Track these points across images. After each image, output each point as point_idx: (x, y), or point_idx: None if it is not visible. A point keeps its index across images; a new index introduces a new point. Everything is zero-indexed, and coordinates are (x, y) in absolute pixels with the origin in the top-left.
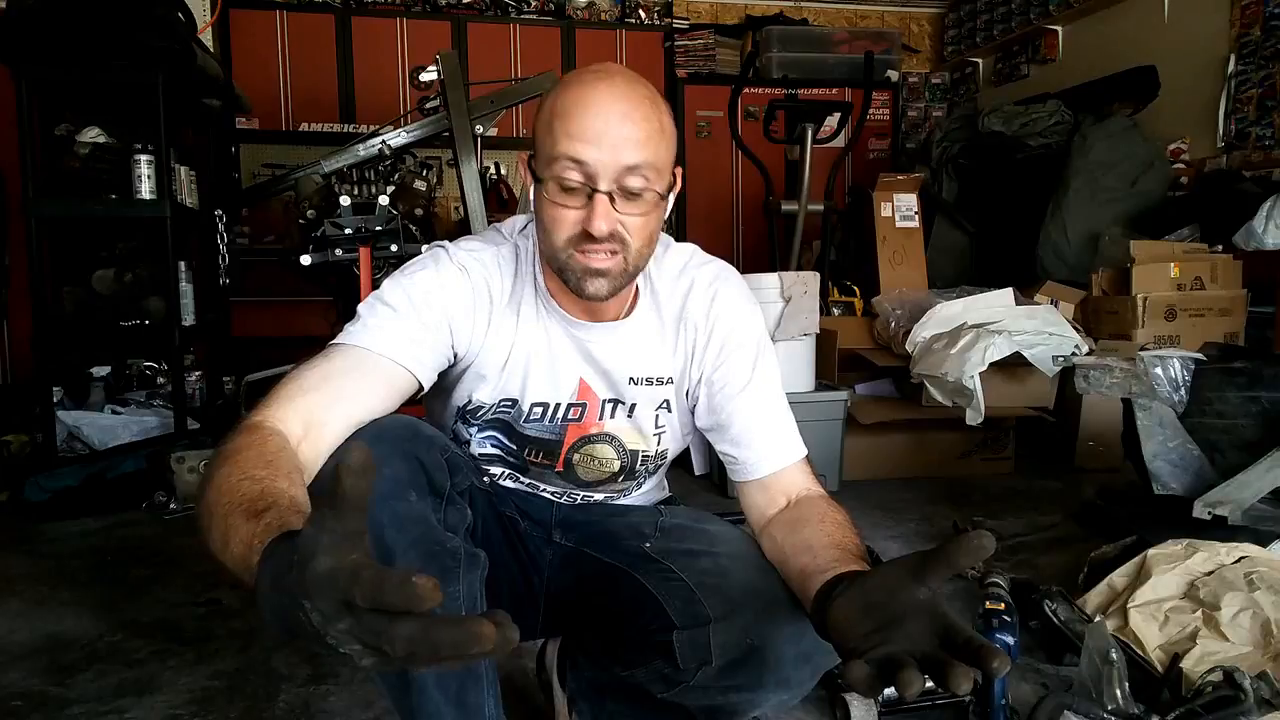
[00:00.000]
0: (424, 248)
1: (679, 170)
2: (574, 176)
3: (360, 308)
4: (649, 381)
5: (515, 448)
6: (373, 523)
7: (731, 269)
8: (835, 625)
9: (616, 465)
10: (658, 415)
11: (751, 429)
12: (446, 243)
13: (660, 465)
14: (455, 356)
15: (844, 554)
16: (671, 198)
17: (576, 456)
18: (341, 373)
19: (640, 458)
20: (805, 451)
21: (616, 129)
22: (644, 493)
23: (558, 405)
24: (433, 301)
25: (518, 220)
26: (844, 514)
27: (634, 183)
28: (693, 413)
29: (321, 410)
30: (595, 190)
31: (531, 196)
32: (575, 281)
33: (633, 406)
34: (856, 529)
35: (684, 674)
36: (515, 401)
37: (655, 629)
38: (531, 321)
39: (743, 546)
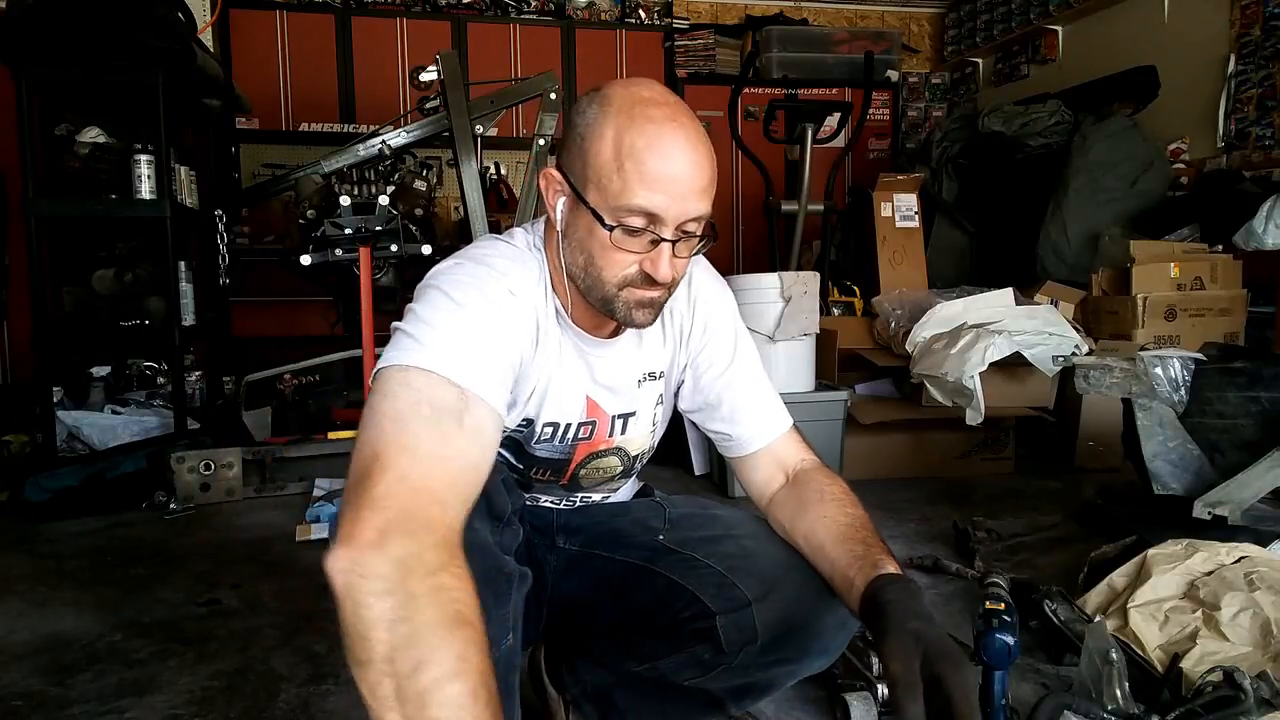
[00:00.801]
0: (427, 256)
1: None
2: (641, 223)
3: (445, 321)
4: (649, 377)
5: (522, 467)
6: None
7: None
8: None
9: (619, 470)
10: (655, 413)
11: (741, 405)
12: (478, 259)
13: (650, 455)
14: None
15: (857, 550)
16: None
17: (583, 471)
18: (452, 443)
19: (639, 458)
20: (792, 420)
21: (688, 180)
22: (629, 485)
23: (568, 425)
24: (506, 334)
25: (520, 231)
26: (840, 485)
27: (693, 227)
28: (675, 396)
29: (448, 507)
30: (661, 238)
31: (560, 212)
32: (625, 314)
33: (638, 410)
34: (854, 500)
35: (727, 656)
36: (531, 421)
37: (689, 618)
38: (552, 341)
39: (756, 526)
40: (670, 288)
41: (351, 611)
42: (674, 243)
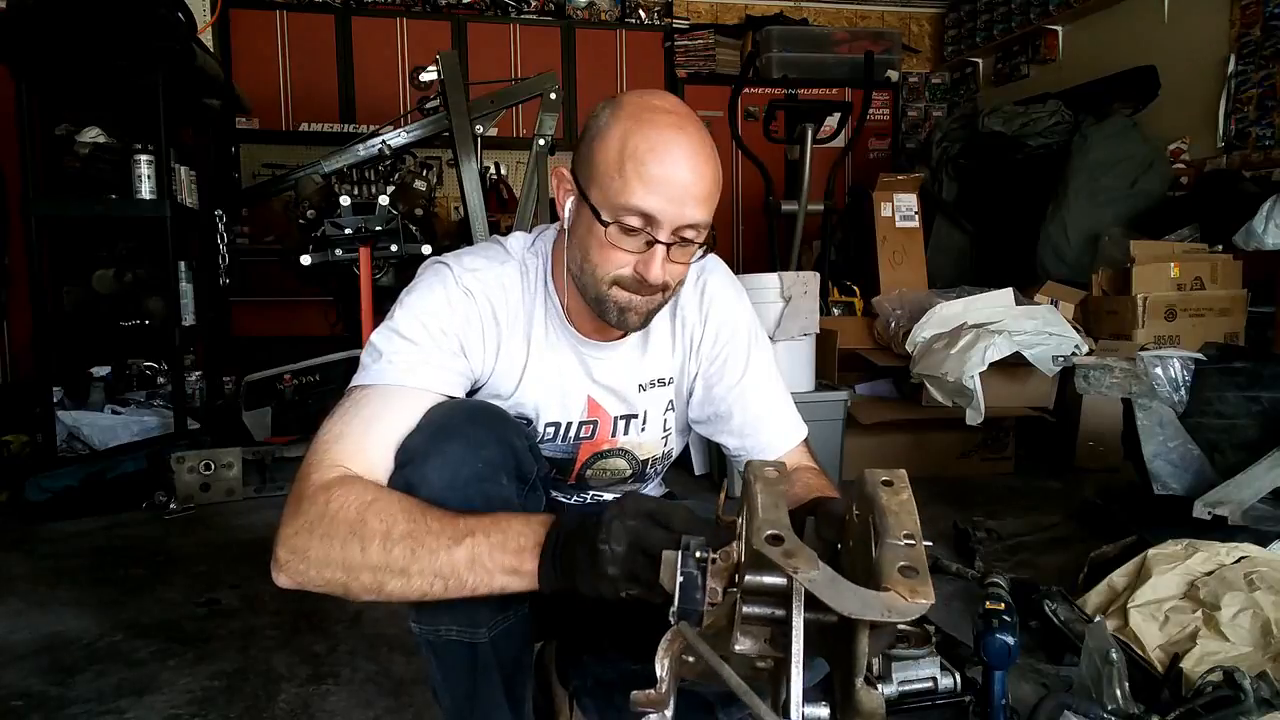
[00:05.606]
0: (427, 256)
1: None
2: (637, 223)
3: (376, 340)
4: (655, 383)
5: None
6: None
7: (712, 255)
8: None
9: (628, 473)
10: (665, 419)
11: (753, 419)
12: (449, 260)
13: (668, 464)
14: (473, 380)
15: (800, 494)
16: None
17: (590, 471)
18: (382, 416)
19: (651, 462)
20: (805, 431)
21: (688, 186)
22: (649, 490)
23: (569, 424)
24: (446, 328)
25: (520, 235)
26: (822, 481)
27: (690, 234)
28: (687, 404)
29: (378, 454)
30: (656, 240)
31: (568, 210)
32: (616, 316)
33: (645, 415)
34: (827, 489)
35: None
36: (530, 421)
37: None
38: (541, 342)
39: None
40: (664, 293)
41: (307, 585)
42: (669, 246)
